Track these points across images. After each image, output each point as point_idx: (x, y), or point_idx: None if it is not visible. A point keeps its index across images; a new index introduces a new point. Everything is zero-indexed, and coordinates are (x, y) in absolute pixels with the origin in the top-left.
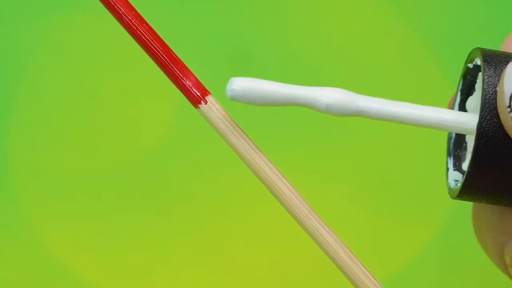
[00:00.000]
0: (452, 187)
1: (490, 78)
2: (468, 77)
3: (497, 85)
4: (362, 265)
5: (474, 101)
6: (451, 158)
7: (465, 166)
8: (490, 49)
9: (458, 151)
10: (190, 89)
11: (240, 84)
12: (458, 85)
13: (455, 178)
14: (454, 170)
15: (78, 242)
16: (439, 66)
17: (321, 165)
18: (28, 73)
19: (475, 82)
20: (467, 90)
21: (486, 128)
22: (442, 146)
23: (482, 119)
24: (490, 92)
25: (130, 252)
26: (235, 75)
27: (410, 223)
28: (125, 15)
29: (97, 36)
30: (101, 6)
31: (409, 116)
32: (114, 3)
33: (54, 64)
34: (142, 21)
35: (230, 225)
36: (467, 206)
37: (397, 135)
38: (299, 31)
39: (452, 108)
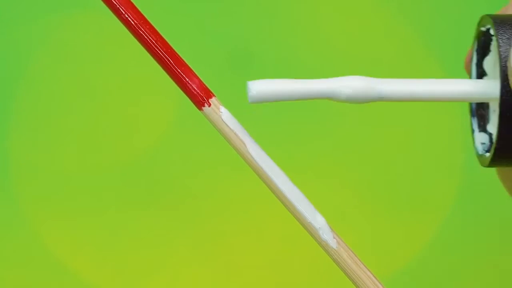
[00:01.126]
0: (480, 153)
1: (504, 50)
2: (482, 38)
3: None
4: (365, 266)
5: (491, 61)
6: (475, 118)
7: (490, 127)
8: (498, 15)
9: (481, 109)
10: (194, 91)
11: (257, 88)
12: (473, 46)
13: (482, 140)
14: (479, 131)
15: (78, 242)
16: (439, 65)
17: (322, 164)
18: (28, 73)
19: (490, 43)
20: (482, 50)
21: (508, 101)
22: (441, 146)
23: (503, 94)
24: (505, 65)
25: (130, 252)
26: (236, 75)
27: (410, 223)
28: (128, 16)
29: (97, 36)
30: (101, 6)
31: (430, 93)
32: (117, 4)
33: (54, 64)
34: (146, 22)
35: (230, 224)
36: (467, 206)
37: (397, 135)
38: (299, 31)
39: (469, 67)
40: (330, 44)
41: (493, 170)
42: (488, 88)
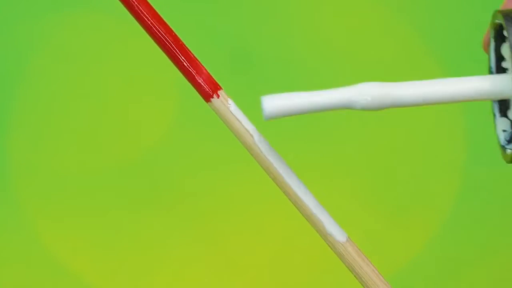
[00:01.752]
0: (502, 143)
1: None
2: (498, 28)
3: None
4: (370, 262)
5: (508, 49)
6: (496, 102)
7: (511, 114)
8: (508, 10)
9: None
10: (202, 84)
11: (272, 104)
12: (489, 32)
13: (503, 127)
14: (500, 116)
15: (78, 242)
16: (440, 65)
17: (322, 165)
18: (28, 73)
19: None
20: (500, 38)
21: None
22: (442, 147)
23: None
24: None
25: (130, 252)
26: (237, 74)
27: (410, 223)
28: (139, 8)
29: (97, 36)
30: (101, 5)
31: (445, 95)
32: None
33: (54, 64)
34: (156, 15)
35: (230, 223)
36: (467, 206)
37: (397, 136)
38: (299, 30)
39: (487, 49)
40: (330, 43)
41: (493, 171)
42: (506, 84)
